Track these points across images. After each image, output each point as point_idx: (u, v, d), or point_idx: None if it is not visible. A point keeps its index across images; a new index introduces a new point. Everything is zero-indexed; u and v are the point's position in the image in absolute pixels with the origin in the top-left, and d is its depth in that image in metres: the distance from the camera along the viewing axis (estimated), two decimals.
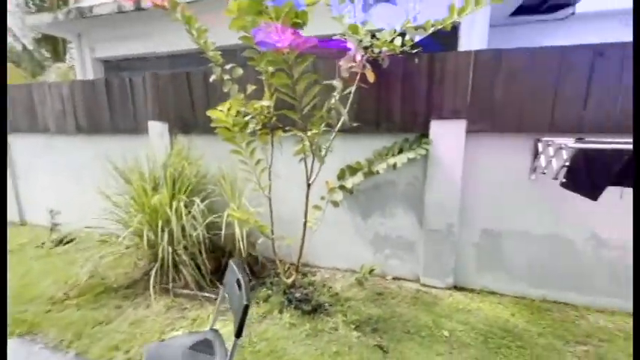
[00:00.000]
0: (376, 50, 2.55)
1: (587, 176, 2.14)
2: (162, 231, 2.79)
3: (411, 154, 2.82)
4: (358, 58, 2.59)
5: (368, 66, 2.51)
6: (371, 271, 2.99)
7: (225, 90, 2.59)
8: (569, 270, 2.71)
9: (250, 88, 2.55)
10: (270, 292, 2.82)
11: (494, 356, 2.13)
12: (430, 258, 2.99)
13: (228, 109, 1.91)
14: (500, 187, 2.78)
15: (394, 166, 2.82)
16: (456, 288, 2.96)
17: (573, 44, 2.45)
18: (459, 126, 2.73)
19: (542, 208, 2.70)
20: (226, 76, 2.59)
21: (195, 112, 3.43)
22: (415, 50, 2.53)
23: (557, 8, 5.10)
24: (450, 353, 2.16)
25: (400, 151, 2.91)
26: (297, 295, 2.71)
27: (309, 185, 2.59)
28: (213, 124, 2.02)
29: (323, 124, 2.36)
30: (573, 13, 5.16)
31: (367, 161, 2.98)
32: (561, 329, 2.39)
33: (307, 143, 2.29)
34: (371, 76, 2.55)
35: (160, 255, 2.76)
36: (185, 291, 2.89)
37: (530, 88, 2.54)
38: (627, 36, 2.39)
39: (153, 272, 2.78)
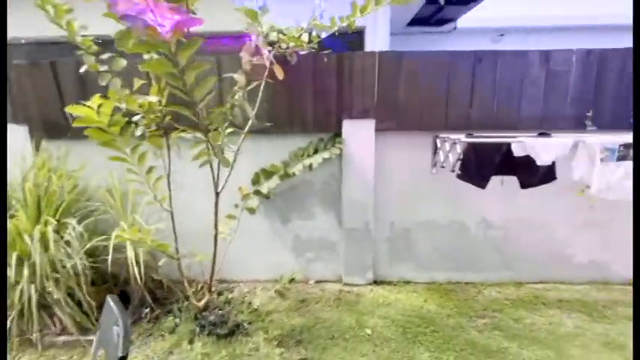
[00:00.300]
0: (284, 46, 2.43)
1: (476, 168, 2.39)
2: (21, 266, 2.14)
3: (326, 154, 2.78)
4: (265, 53, 2.42)
5: (275, 62, 2.36)
6: (291, 280, 2.84)
7: (103, 83, 2.12)
8: (467, 252, 3.04)
9: (138, 82, 2.14)
10: (177, 320, 2.43)
11: (412, 345, 2.21)
12: (351, 256, 3.01)
13: (99, 106, 1.51)
14: (407, 182, 2.95)
15: (310, 167, 2.74)
16: (376, 282, 3.04)
17: (459, 50, 2.74)
18: (369, 125, 2.80)
19: (443, 199, 2.96)
20: (103, 67, 2.12)
21: (65, 112, 2.76)
22: (326, 51, 2.49)
23: (443, 22, 5.83)
24: (374, 351, 2.16)
25: (315, 152, 2.84)
26: (212, 318, 2.39)
27: (217, 193, 2.31)
28: (77, 124, 1.58)
29: (226, 124, 2.11)
30: (455, 28, 5.98)
31: (283, 163, 2.83)
32: (465, 307, 2.64)
33: (209, 145, 2.01)
34: (280, 73, 2.40)
35: (19, 298, 2.11)
36: (62, 338, 2.29)
37: (427, 89, 2.74)
38: (496, 48, 2.78)
39: (9, 322, 2.11)
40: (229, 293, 2.87)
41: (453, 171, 2.51)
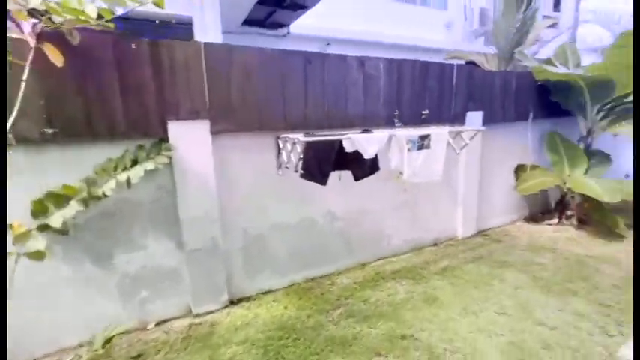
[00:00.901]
0: (58, 19, 1.74)
1: (316, 166, 2.43)
2: None
3: (149, 165, 2.22)
4: (26, 26, 1.68)
5: (45, 41, 1.67)
6: (109, 339, 2.10)
7: None
8: (318, 246, 3.15)
9: None
10: None
11: None
12: (198, 281, 2.57)
13: None
14: (254, 185, 2.77)
15: (128, 183, 2.12)
16: (233, 302, 2.73)
17: (290, 50, 2.74)
18: (202, 127, 2.44)
19: (292, 199, 2.94)
20: None
21: None
22: (131, 37, 1.94)
23: (277, 26, 5.99)
24: None
25: (135, 163, 2.24)
26: None
27: None
28: None
29: None
30: (289, 33, 6.27)
31: (85, 182, 2.08)
32: (322, 302, 2.69)
33: None
34: (56, 56, 1.72)
35: None
36: None
37: (264, 87, 2.61)
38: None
39: None
40: None
41: (296, 171, 2.48)
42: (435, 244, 3.88)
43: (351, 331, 2.32)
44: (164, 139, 2.35)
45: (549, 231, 4.21)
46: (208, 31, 3.81)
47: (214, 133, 2.48)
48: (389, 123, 3.27)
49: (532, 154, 4.50)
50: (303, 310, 2.59)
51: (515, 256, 3.51)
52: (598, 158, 4.41)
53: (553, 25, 9.53)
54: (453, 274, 3.12)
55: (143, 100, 2.24)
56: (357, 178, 2.73)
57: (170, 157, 2.32)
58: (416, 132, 2.72)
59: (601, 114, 4.34)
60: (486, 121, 3.91)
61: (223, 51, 2.45)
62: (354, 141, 2.39)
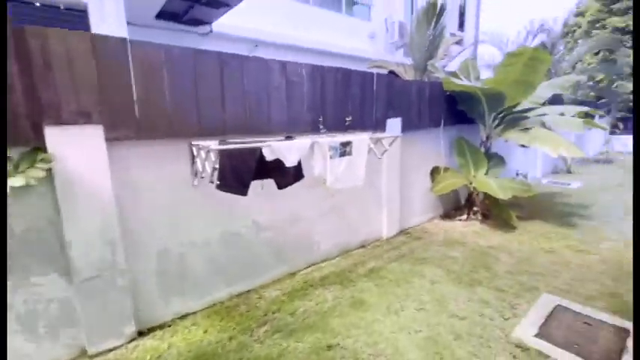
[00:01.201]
0: None
1: (234, 175, 2.26)
2: None
3: (18, 181, 1.80)
4: None
5: None
6: None
7: None
8: (244, 259, 2.96)
9: None
10: None
11: None
12: (95, 315, 2.17)
13: None
14: (167, 199, 2.47)
15: None
16: (143, 334, 2.38)
17: (204, 49, 2.51)
18: (94, 133, 2.07)
19: (212, 210, 2.70)
20: None
21: None
22: None
23: (197, 22, 5.57)
24: None
25: None
26: None
27: None
28: None
29: None
30: (211, 31, 5.90)
31: None
32: (247, 320, 2.52)
33: None
34: None
35: None
36: None
37: (174, 89, 2.34)
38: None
39: None
40: None
41: (212, 181, 2.27)
42: (363, 246, 4.00)
43: (276, 349, 2.20)
44: (40, 147, 1.93)
45: (460, 226, 4.69)
46: (108, 21, 3.31)
47: (111, 139, 2.13)
48: (314, 129, 3.25)
49: (444, 158, 4.98)
50: (225, 332, 2.38)
51: (432, 251, 3.80)
52: (495, 160, 5.08)
53: (459, 42, 10.85)
54: (379, 275, 3.23)
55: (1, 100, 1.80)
56: (280, 187, 2.63)
57: (49, 170, 1.91)
58: (337, 139, 2.73)
59: (496, 122, 5.01)
60: (405, 128, 4.18)
61: (119, 45, 2.12)
62: (274, 149, 2.29)
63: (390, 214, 4.25)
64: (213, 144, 2.24)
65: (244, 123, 2.74)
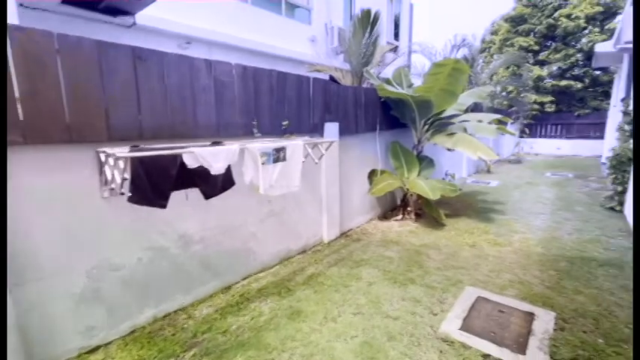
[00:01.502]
0: None
1: (150, 186, 2.01)
2: None
3: None
4: None
5: None
6: None
7: None
8: (171, 276, 2.68)
9: None
10: None
11: None
12: None
13: None
14: (70, 214, 2.10)
15: None
16: None
17: (110, 42, 2.20)
18: None
19: (129, 225, 2.38)
20: None
21: None
22: None
23: (116, 12, 4.98)
24: None
25: None
26: None
27: None
28: None
29: None
30: (135, 24, 5.33)
31: None
32: (172, 346, 2.27)
33: None
34: None
35: None
36: None
37: (73, 86, 2.01)
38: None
39: None
40: None
41: (122, 193, 1.99)
42: (304, 251, 3.94)
43: None
44: None
45: (396, 226, 4.91)
46: None
47: None
48: (248, 133, 3.09)
49: (381, 161, 5.18)
50: None
51: (370, 253, 3.90)
52: (426, 162, 5.44)
53: (395, 50, 11.51)
54: (317, 281, 3.19)
55: None
56: (207, 196, 2.43)
57: None
58: (270, 144, 2.63)
59: (426, 127, 5.38)
60: (343, 132, 4.24)
61: None
62: (197, 155, 2.09)
63: (331, 218, 4.27)
64: (124, 150, 1.97)
65: (166, 127, 2.48)
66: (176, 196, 2.37)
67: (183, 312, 2.69)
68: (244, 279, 3.24)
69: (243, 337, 2.37)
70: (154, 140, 2.40)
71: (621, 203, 5.39)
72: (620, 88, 8.95)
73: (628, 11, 4.58)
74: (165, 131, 2.48)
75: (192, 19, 6.59)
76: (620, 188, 5.41)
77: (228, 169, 2.41)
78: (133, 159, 1.88)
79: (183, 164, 2.09)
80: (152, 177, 2.00)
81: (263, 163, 2.50)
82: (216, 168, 2.18)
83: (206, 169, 2.18)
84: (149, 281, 2.54)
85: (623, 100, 6.56)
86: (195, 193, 2.49)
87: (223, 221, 3.02)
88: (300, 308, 2.74)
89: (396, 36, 13.27)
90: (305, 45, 9.17)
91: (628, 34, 4.39)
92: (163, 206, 2.09)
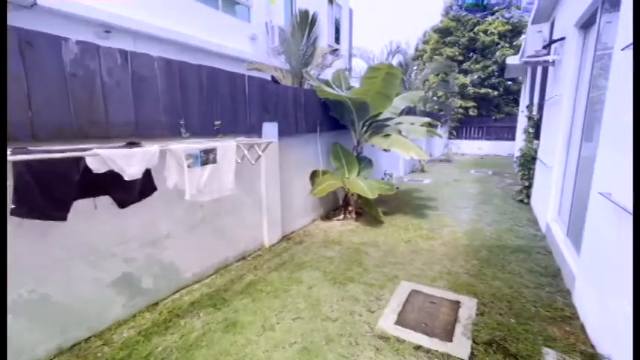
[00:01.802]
0: None
1: (43, 196, 1.69)
2: None
3: None
4: None
5: None
6: None
7: None
8: (83, 300, 2.31)
9: None
10: None
11: None
12: None
13: None
14: None
15: None
16: None
17: None
18: None
19: (20, 242, 1.98)
20: None
21: None
22: None
23: None
24: None
25: None
26: None
27: None
28: None
29: None
30: (36, 4, 4.57)
31: None
32: None
33: None
34: None
35: None
36: None
37: None
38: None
39: None
40: None
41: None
42: (243, 258, 3.75)
43: None
44: None
45: (338, 226, 4.98)
46: None
47: None
48: (174, 133, 2.83)
49: (322, 162, 5.21)
50: None
51: (311, 254, 3.87)
52: (365, 163, 5.62)
53: (336, 53, 11.76)
54: (256, 289, 3.06)
55: None
56: (122, 205, 2.15)
57: None
58: (198, 145, 2.42)
59: (364, 128, 5.55)
60: (283, 133, 4.15)
61: None
62: (105, 158, 1.82)
63: (272, 221, 4.15)
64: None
65: (69, 126, 2.13)
66: (84, 206, 2.04)
67: (99, 338, 2.35)
68: (174, 293, 2.95)
69: (170, 358, 2.14)
70: (53, 141, 2.03)
71: (528, 196, 6.20)
72: (525, 96, 10.37)
73: (531, 29, 5.30)
74: (68, 131, 2.12)
75: (114, 6, 5.90)
76: (527, 183, 6.23)
77: (149, 173, 2.16)
78: (16, 163, 1.56)
79: (88, 169, 1.80)
80: (46, 184, 1.68)
81: (189, 166, 2.29)
82: (130, 173, 1.92)
83: (118, 173, 1.91)
84: (56, 307, 2.15)
85: (527, 106, 7.59)
86: (108, 201, 2.19)
87: (146, 231, 2.70)
88: (236, 319, 2.58)
89: (337, 39, 13.61)
90: (245, 43, 8.87)
91: (529, 50, 5.07)
92: (63, 218, 1.77)
